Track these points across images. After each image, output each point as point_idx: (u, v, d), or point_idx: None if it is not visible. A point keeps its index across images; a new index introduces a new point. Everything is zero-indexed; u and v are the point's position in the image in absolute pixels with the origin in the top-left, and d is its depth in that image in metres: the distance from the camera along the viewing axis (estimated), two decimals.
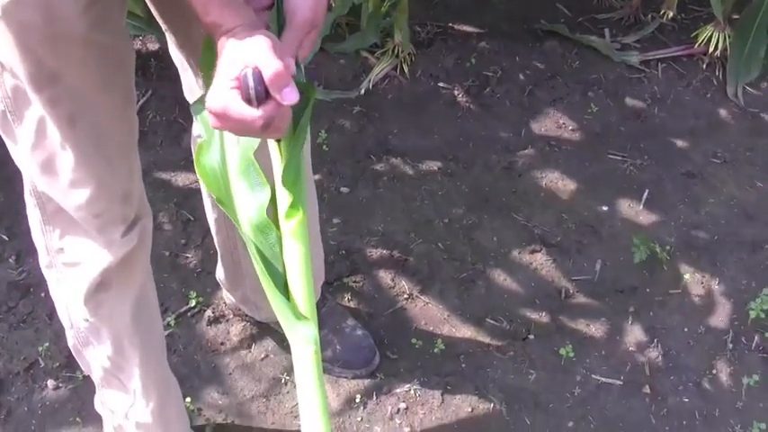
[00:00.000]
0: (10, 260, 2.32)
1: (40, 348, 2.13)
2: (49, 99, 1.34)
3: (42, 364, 2.11)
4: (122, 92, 1.42)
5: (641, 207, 2.51)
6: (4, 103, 1.38)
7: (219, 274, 2.09)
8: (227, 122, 1.17)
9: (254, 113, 1.14)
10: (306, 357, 1.26)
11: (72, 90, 1.34)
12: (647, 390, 2.09)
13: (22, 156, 1.43)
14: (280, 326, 2.06)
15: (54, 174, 1.42)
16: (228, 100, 1.14)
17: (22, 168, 1.47)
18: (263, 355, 2.15)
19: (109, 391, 1.75)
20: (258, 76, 1.14)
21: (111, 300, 1.58)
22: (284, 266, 1.28)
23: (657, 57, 2.96)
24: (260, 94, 1.14)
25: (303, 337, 1.26)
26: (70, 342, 1.71)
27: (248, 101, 1.14)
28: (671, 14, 3.05)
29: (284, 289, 1.27)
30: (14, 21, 1.27)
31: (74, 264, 1.55)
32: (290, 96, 1.15)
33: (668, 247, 2.38)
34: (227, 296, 2.18)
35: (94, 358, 1.69)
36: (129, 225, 1.51)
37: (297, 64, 1.24)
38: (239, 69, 1.14)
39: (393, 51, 2.90)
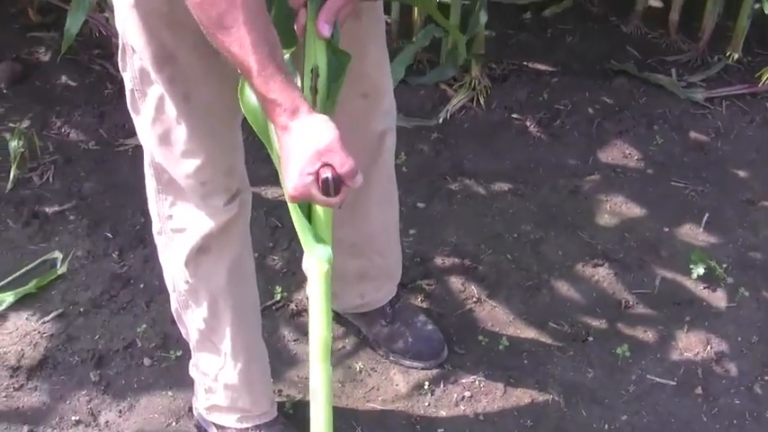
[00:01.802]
0: (113, 255, 2.55)
1: (138, 330, 2.34)
2: (169, 77, 1.56)
3: (140, 344, 2.32)
4: (228, 76, 1.63)
5: (701, 229, 2.65)
6: (133, 82, 1.62)
7: (305, 263, 2.28)
8: (308, 202, 1.46)
9: (335, 200, 1.42)
10: (319, 273, 1.46)
11: (187, 70, 1.57)
12: (699, 391, 2.22)
13: (144, 128, 1.66)
14: (356, 319, 2.26)
15: (169, 145, 1.64)
16: (311, 191, 1.41)
17: (143, 141, 1.70)
18: (340, 346, 2.32)
19: (202, 354, 1.95)
20: (338, 177, 1.40)
21: (210, 262, 1.78)
22: None
23: (722, 94, 3.11)
24: (338, 189, 1.41)
25: (319, 257, 1.47)
26: (173, 306, 1.92)
27: (327, 194, 1.41)
28: (736, 56, 3.21)
29: (307, 215, 1.50)
30: (143, 9, 1.51)
31: (180, 229, 1.76)
32: (359, 180, 1.42)
33: (725, 266, 2.51)
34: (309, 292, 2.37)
35: (192, 321, 1.89)
36: (231, 196, 1.72)
37: (335, 28, 1.50)
38: (316, 165, 1.39)
39: (470, 84, 3.11)
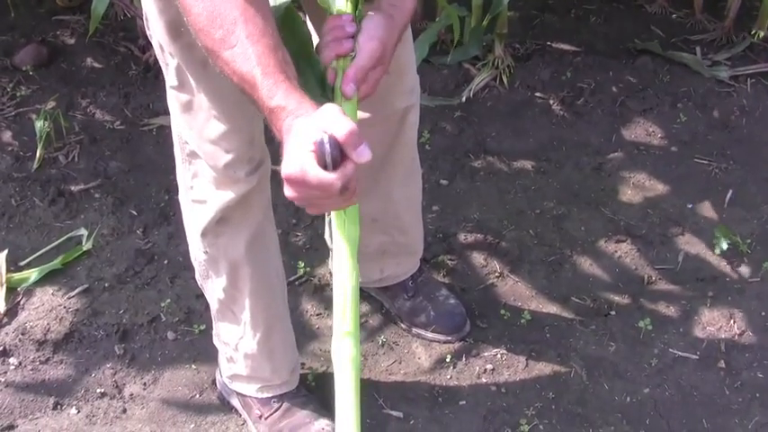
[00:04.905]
0: (138, 231, 2.57)
1: (162, 305, 2.37)
2: (185, 45, 1.57)
3: (164, 319, 2.34)
4: None
5: (725, 206, 2.63)
6: (157, 52, 1.63)
7: (327, 235, 2.30)
8: (305, 189, 1.24)
9: (332, 176, 1.21)
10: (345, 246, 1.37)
11: None
12: (721, 364, 2.21)
13: (170, 97, 1.67)
14: (378, 293, 2.27)
15: (193, 112, 1.65)
16: (305, 164, 1.21)
17: (171, 110, 1.71)
18: (362, 320, 2.33)
19: (223, 324, 1.97)
20: (334, 141, 1.20)
21: (230, 232, 1.79)
22: None
23: (747, 72, 3.09)
24: (336, 158, 1.21)
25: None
26: (197, 276, 1.94)
27: (324, 166, 1.21)
28: (762, 34, 3.18)
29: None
30: None
31: (201, 201, 1.77)
32: (365, 154, 1.23)
33: (749, 241, 2.50)
34: (332, 265, 2.38)
35: (212, 290, 1.91)
36: (253, 166, 1.72)
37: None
38: (316, 137, 1.22)
39: (493, 63, 3.11)
